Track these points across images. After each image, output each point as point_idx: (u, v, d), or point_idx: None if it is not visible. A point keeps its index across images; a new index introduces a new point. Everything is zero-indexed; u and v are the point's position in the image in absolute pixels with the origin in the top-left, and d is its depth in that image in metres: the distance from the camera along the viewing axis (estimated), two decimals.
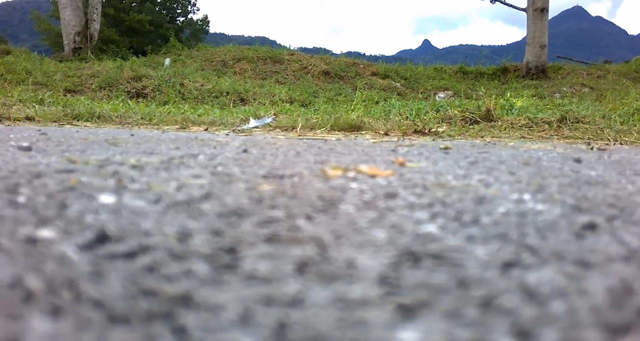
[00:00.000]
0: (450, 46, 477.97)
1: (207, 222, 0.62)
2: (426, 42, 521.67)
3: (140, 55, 16.21)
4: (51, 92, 4.41)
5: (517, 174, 1.18)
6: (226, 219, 0.65)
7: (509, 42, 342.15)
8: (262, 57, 12.38)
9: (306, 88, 10.60)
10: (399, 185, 0.97)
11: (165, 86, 7.62)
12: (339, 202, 0.77)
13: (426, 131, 3.13)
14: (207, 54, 12.80)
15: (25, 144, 1.56)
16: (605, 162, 1.65)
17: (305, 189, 0.88)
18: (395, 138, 2.67)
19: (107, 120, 3.48)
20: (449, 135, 3.09)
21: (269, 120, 2.90)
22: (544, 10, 13.79)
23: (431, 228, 0.64)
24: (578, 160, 1.62)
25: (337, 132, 3.18)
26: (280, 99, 8.22)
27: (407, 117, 4.80)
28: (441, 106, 4.64)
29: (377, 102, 10.35)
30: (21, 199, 0.74)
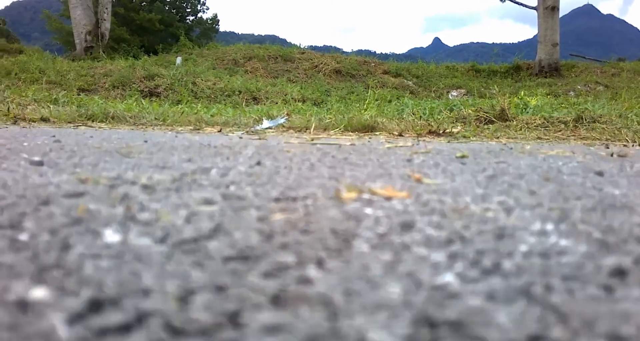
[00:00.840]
0: (461, 44, 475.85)
1: (213, 272, 0.58)
2: (437, 40, 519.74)
3: (151, 54, 16.29)
4: (65, 91, 4.39)
5: (538, 193, 1.15)
6: (233, 266, 0.60)
7: (520, 40, 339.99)
8: (273, 55, 12.37)
9: (318, 86, 10.58)
10: (415, 211, 0.94)
11: (178, 85, 7.63)
12: (352, 238, 0.74)
13: (440, 132, 3.07)
14: (218, 53, 12.82)
15: (36, 158, 1.55)
16: (628, 174, 1.61)
17: (318, 219, 0.85)
18: (410, 142, 2.62)
19: (122, 120, 3.45)
20: (464, 137, 3.01)
21: (282, 120, 2.87)
22: (554, 8, 13.67)
23: (449, 277, 0.59)
24: (600, 174, 1.58)
25: (350, 133, 3.12)
26: (292, 98, 8.20)
27: (420, 116, 4.76)
28: (454, 105, 4.59)
29: (389, 101, 10.31)
30: (23, 237, 0.70)
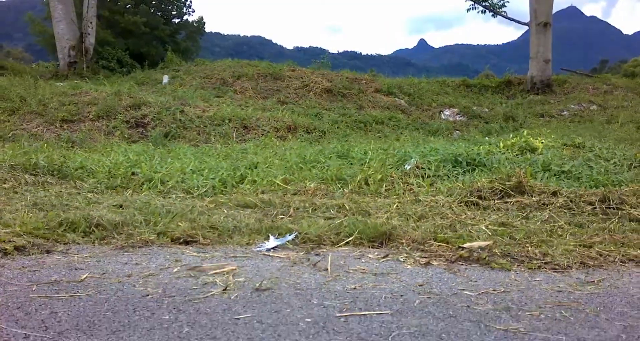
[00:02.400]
0: (447, 45, 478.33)
1: None
2: (422, 42, 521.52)
3: (136, 69, 15.90)
4: (46, 155, 4.00)
5: None
6: None
7: (505, 42, 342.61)
8: (262, 73, 12.10)
9: (309, 108, 10.34)
10: None
11: (166, 114, 7.33)
12: None
13: (472, 257, 2.58)
14: (206, 70, 12.52)
15: None
16: None
17: None
18: (440, 272, 2.29)
19: (107, 231, 2.82)
20: (498, 264, 2.47)
21: (290, 237, 2.60)
22: (547, 25, 13.57)
23: None
24: None
25: (365, 243, 2.59)
26: (283, 126, 7.95)
27: (430, 182, 4.53)
28: (460, 155, 4.36)
29: (382, 123, 10.09)
30: None
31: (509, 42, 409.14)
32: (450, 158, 4.25)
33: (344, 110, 10.48)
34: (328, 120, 9.37)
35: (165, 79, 11.99)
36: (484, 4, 14.88)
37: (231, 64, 13.06)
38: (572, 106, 11.85)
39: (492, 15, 15.14)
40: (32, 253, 2.38)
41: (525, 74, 14.88)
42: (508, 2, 14.72)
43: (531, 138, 5.36)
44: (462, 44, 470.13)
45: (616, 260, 2.44)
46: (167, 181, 3.50)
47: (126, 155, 4.55)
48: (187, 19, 46.99)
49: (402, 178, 3.90)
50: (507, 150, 5.06)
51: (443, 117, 11.49)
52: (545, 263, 2.33)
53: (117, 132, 6.72)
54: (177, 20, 46.00)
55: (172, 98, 8.53)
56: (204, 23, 49.54)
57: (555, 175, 3.93)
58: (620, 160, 4.54)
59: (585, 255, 2.45)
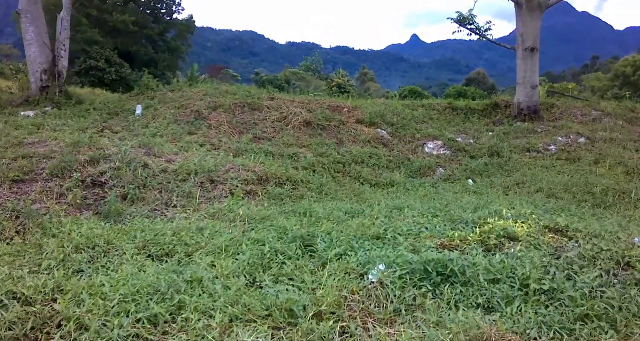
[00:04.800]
0: (439, 40, 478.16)
1: None
2: (414, 37, 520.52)
3: (125, 63, 15.41)
4: None
5: None
6: None
7: (497, 37, 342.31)
8: (239, 103, 11.64)
9: (286, 146, 9.90)
10: None
11: (126, 170, 6.86)
12: None
13: None
14: (182, 99, 12.03)
15: None
16: None
17: None
18: None
19: None
20: None
21: None
22: (534, 49, 13.20)
23: None
24: None
25: None
26: (254, 178, 7.50)
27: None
28: (430, 263, 3.93)
29: (361, 161, 9.66)
30: None
31: (501, 37, 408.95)
32: (419, 267, 3.84)
33: (322, 147, 10.04)
34: (304, 163, 8.93)
35: (139, 109, 11.50)
36: (469, 27, 14.47)
37: (209, 91, 12.57)
38: (560, 138, 11.48)
39: (478, 38, 14.73)
40: None
41: (512, 93, 14.53)
42: (494, 25, 14.32)
43: (510, 223, 4.95)
44: (454, 39, 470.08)
45: None
46: (88, 327, 3.06)
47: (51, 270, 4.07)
48: (176, 18, 46.34)
49: (362, 302, 3.48)
50: (484, 236, 4.65)
51: (427, 150, 11.09)
52: None
53: (69, 195, 6.23)
54: (166, 19, 45.50)
55: (138, 144, 8.05)
56: (194, 21, 48.94)
57: (535, 296, 3.52)
58: (606, 260, 4.14)
59: None
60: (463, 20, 14.37)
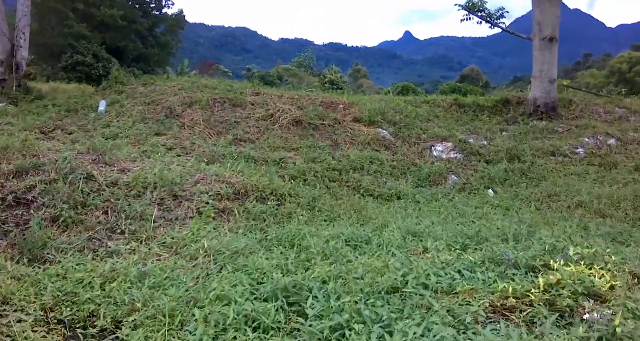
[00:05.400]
0: (432, 37, 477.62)
1: None
2: (407, 34, 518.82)
3: (114, 59, 13.80)
4: None
5: None
6: None
7: (489, 34, 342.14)
8: (219, 99, 10.09)
9: (272, 149, 8.38)
10: None
11: (63, 183, 5.33)
12: None
13: None
14: (155, 93, 10.47)
15: None
16: None
17: None
18: None
19: None
20: None
21: None
22: (553, 39, 11.72)
23: None
24: None
25: None
26: (230, 192, 5.97)
27: None
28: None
29: (360, 168, 8.17)
30: None
31: (494, 35, 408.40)
32: None
33: (314, 150, 8.54)
34: (293, 171, 7.42)
35: (102, 105, 9.93)
36: (479, 14, 12.96)
37: (185, 85, 11.02)
38: (587, 140, 10.01)
39: (490, 27, 13.24)
40: None
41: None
42: (507, 12, 12.82)
43: (583, 269, 3.45)
44: (447, 36, 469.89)
45: None
46: None
47: None
48: (166, 12, 44.70)
49: None
50: (552, 293, 3.15)
51: (435, 153, 9.60)
52: None
53: None
54: (156, 13, 43.85)
55: (87, 148, 6.50)
56: (184, 16, 47.31)
57: None
58: None
59: None
60: (472, 7, 12.87)
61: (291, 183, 6.83)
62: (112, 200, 5.37)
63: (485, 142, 10.24)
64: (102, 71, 28.56)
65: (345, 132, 9.62)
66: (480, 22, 13.04)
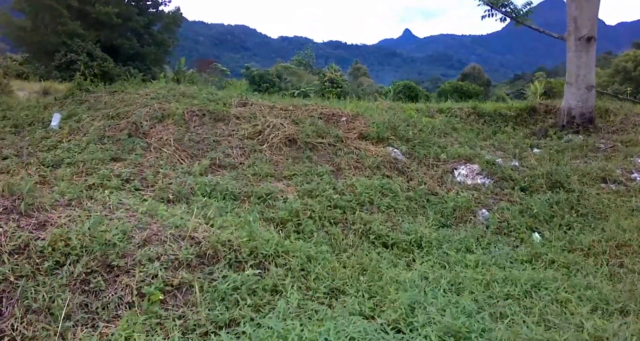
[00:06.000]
0: (431, 35, 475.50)
1: None
2: (407, 32, 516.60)
3: (109, 57, 12.09)
4: None
5: None
6: None
7: (489, 32, 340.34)
8: (197, 111, 8.38)
9: (258, 178, 6.68)
10: None
11: None
12: None
13: None
14: (121, 105, 8.74)
15: None
16: None
17: None
18: None
19: None
20: None
21: None
22: (591, 39, 10.01)
23: None
24: None
25: None
26: (193, 255, 4.27)
27: None
28: None
29: (370, 202, 6.48)
30: None
31: (493, 33, 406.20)
32: None
33: (311, 179, 6.84)
34: (283, 213, 5.71)
35: (56, 119, 8.22)
36: (504, 9, 11.24)
37: (160, 94, 9.29)
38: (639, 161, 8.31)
39: (516, 24, 11.52)
40: None
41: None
42: (535, 6, 11.09)
43: None
44: (447, 34, 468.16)
45: None
46: None
47: None
48: (162, 10, 43.34)
49: None
50: None
51: (458, 178, 7.90)
52: None
53: None
54: (152, 11, 42.46)
55: (6, 187, 4.79)
56: (181, 13, 45.91)
57: None
58: None
59: None
60: (495, 2, 11.20)
61: (279, 234, 5.13)
62: (11, 279, 3.66)
63: (517, 163, 8.52)
64: (97, 70, 27.17)
65: (349, 152, 7.92)
66: (504, 19, 11.35)
